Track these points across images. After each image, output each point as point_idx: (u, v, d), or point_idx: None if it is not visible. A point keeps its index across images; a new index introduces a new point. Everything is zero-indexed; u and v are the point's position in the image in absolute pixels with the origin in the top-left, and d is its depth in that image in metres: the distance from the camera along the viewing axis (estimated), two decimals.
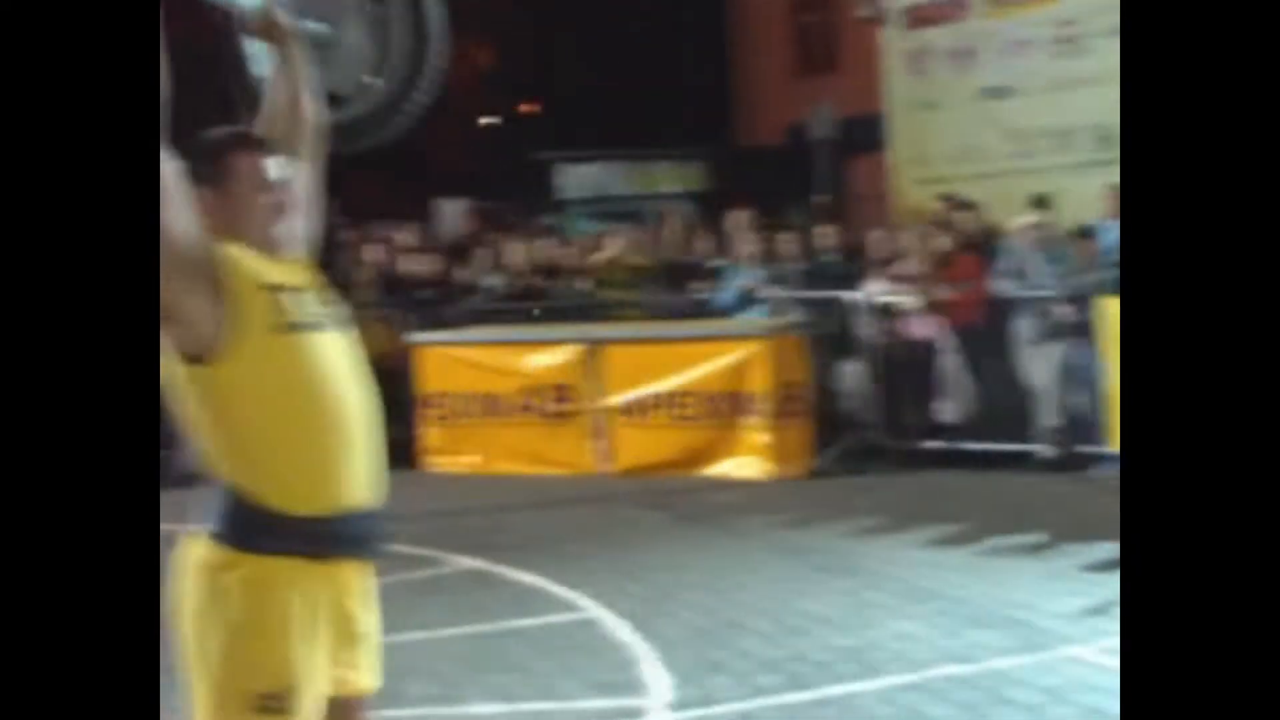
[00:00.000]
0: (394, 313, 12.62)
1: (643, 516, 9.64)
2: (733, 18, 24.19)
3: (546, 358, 11.47)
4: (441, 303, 12.97)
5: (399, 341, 12.08)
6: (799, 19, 22.87)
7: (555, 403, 11.40)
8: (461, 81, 34.31)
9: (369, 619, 3.25)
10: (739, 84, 24.13)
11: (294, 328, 3.10)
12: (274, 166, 3.27)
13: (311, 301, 3.20)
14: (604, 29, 26.26)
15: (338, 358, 3.17)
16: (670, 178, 21.89)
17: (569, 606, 7.28)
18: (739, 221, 13.11)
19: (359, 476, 3.15)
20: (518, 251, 13.52)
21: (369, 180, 27.00)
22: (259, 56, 3.77)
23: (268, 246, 3.20)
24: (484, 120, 33.67)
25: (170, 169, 2.93)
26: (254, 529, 3.06)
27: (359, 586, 3.22)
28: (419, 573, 7.97)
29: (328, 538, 3.11)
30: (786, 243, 12.30)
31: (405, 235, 14.82)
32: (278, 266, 3.20)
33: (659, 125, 23.71)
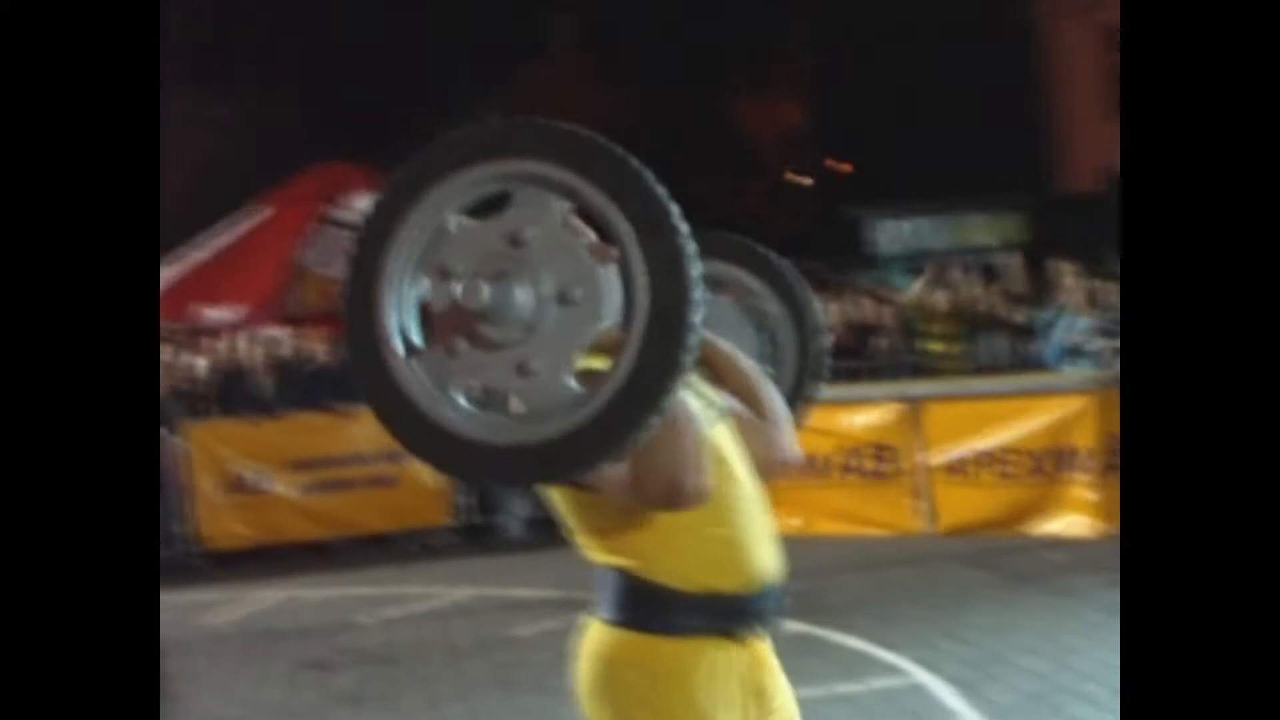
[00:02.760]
0: None
1: (968, 577, 9.45)
2: (1044, 61, 23.74)
3: (865, 416, 11.38)
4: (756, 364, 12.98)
5: None
6: (1113, 57, 22.31)
7: (875, 462, 11.29)
8: (770, 139, 34.60)
9: (783, 693, 3.23)
10: (1054, 129, 23.64)
11: (704, 422, 3.06)
12: None
13: (708, 393, 3.19)
14: (913, 81, 26.08)
15: (730, 445, 3.17)
16: (987, 229, 21.55)
17: (895, 671, 7.18)
18: (1061, 271, 12.82)
19: (766, 553, 3.14)
20: (831, 310, 13.48)
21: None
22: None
23: None
24: (793, 177, 33.80)
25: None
26: (669, 611, 3.04)
27: (771, 663, 3.20)
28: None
29: (746, 614, 3.10)
30: (1112, 292, 11.95)
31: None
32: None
33: (972, 175, 23.41)
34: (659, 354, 2.62)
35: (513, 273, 2.70)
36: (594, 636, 3.12)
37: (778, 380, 3.75)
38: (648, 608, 3.05)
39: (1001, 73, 24.47)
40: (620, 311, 2.67)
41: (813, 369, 3.86)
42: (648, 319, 2.62)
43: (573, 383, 2.69)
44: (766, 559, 3.13)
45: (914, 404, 11.18)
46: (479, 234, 2.77)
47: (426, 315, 2.83)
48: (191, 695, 7.81)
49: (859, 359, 12.96)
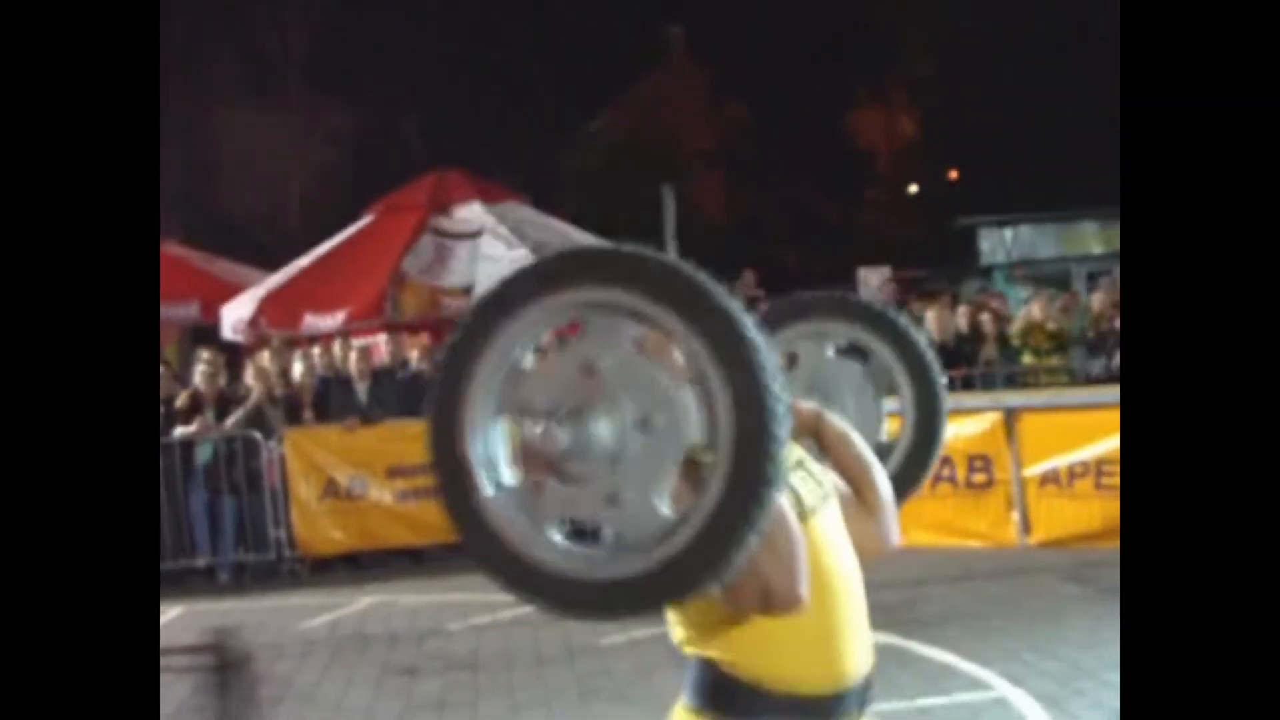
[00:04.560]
0: None
1: (1062, 590, 9.27)
2: None
3: (964, 427, 11.22)
4: None
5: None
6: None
7: (971, 472, 11.13)
8: (889, 150, 34.40)
9: None
10: None
11: (806, 515, 2.98)
12: None
13: (814, 474, 3.09)
14: (1025, 87, 25.79)
15: (836, 532, 3.07)
16: (1099, 238, 21.22)
17: (981, 685, 7.06)
18: None
19: (860, 649, 3.05)
20: (935, 318, 13.34)
21: (790, 252, 27.34)
22: None
23: None
24: (912, 188, 33.57)
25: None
26: (755, 706, 2.96)
27: None
28: None
29: (834, 710, 3.01)
30: None
31: None
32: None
33: (1087, 184, 23.08)
34: (746, 482, 2.55)
35: (591, 405, 2.66)
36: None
37: (890, 451, 3.69)
38: (730, 700, 2.96)
39: (1114, 79, 24.09)
40: (704, 429, 2.61)
41: (926, 447, 3.77)
42: (733, 445, 2.56)
43: (664, 508, 2.63)
44: (858, 652, 3.04)
45: (1011, 414, 11.00)
46: (554, 368, 2.73)
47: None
48: (277, 699, 7.87)
49: (959, 368, 12.80)
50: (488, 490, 2.74)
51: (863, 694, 3.07)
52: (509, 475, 2.76)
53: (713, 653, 2.98)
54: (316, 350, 14.06)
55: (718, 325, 2.58)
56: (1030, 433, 10.87)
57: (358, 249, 17.04)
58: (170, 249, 19.50)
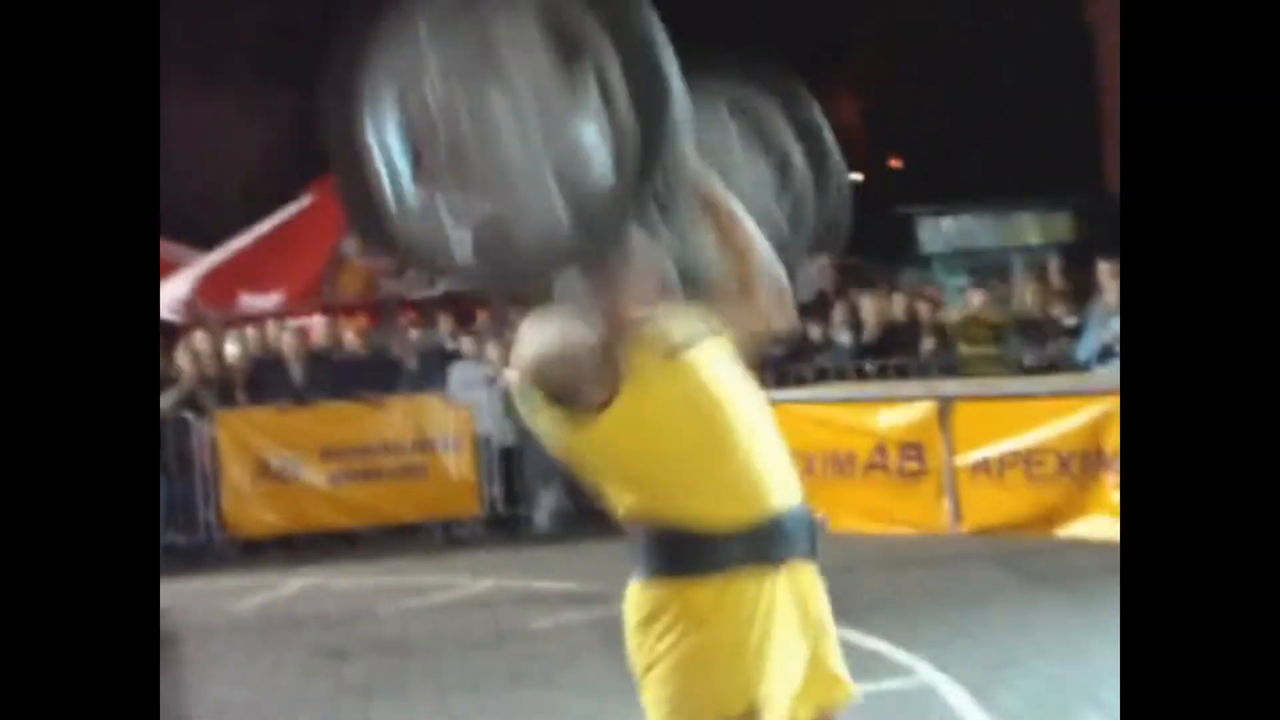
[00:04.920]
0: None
1: (991, 578, 9.31)
2: (1101, 61, 23.50)
3: (897, 415, 11.26)
4: (793, 359, 12.92)
5: None
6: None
7: (905, 460, 11.17)
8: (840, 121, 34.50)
9: (828, 620, 3.23)
10: (1109, 129, 23.39)
11: (678, 349, 3.08)
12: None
13: (683, 315, 3.17)
14: (969, 79, 25.89)
15: (724, 367, 3.14)
16: (1037, 228, 21.35)
17: (908, 672, 7.08)
18: (1100, 270, 12.61)
19: (778, 477, 3.12)
20: (871, 307, 13.37)
21: None
22: None
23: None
24: (851, 176, 33.66)
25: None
26: (695, 553, 3.02)
27: (817, 588, 3.22)
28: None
29: (773, 538, 3.07)
30: None
31: None
32: None
33: (1027, 175, 23.22)
34: (639, 164, 2.63)
35: (486, 79, 2.69)
36: (635, 598, 3.11)
37: (790, 224, 3.71)
38: (676, 555, 3.03)
39: (1055, 73, 24.28)
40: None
41: (830, 220, 3.78)
42: (626, 132, 2.63)
43: (553, 187, 2.68)
44: (777, 482, 3.10)
45: (945, 403, 11.04)
46: (451, 39, 2.74)
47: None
48: (204, 681, 7.82)
49: (896, 357, 12.85)
50: (378, 158, 2.80)
51: (807, 531, 3.17)
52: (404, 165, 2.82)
53: (644, 505, 3.05)
54: (250, 330, 13.94)
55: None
56: (963, 422, 10.91)
57: (295, 229, 16.90)
58: None
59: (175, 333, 15.41)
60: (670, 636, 3.03)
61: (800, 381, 12.45)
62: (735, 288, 3.31)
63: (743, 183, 3.59)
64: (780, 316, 3.36)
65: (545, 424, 3.09)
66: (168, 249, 19.19)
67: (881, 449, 11.23)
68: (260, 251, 16.81)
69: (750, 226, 3.35)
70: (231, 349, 13.34)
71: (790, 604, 3.09)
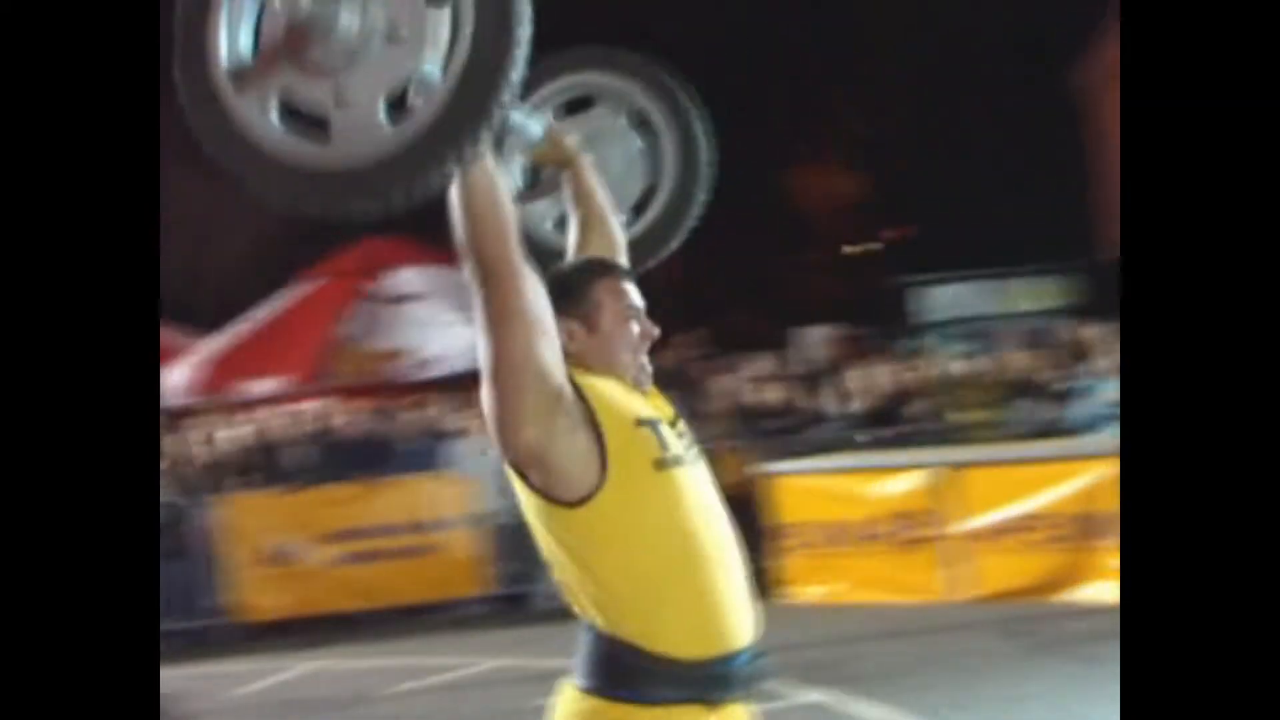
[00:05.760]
0: (743, 443, 12.68)
1: (990, 646, 9.29)
2: (1092, 130, 23.67)
3: (896, 483, 11.28)
4: (791, 431, 12.96)
5: (748, 472, 12.12)
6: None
7: (906, 529, 11.17)
8: (827, 210, 34.64)
9: None
10: (1100, 197, 23.54)
11: (667, 463, 2.96)
12: (634, 292, 3.19)
13: (676, 434, 3.06)
14: (962, 150, 26.05)
15: (706, 491, 3.04)
16: (1032, 295, 21.45)
17: None
18: (1098, 336, 12.70)
19: (742, 613, 2.99)
20: (867, 377, 13.43)
21: (734, 310, 27.44)
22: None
23: (638, 378, 3.12)
24: (848, 249, 33.78)
25: (541, 300, 2.89)
26: (639, 677, 2.89)
27: None
28: (759, 706, 7.89)
29: (719, 680, 2.94)
30: None
31: (758, 365, 14.90)
32: (641, 398, 3.09)
33: (1024, 243, 23.34)
34: (471, 99, 2.58)
35: None
36: (565, 702, 2.99)
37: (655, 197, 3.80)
38: (618, 673, 2.91)
39: (1048, 141, 24.45)
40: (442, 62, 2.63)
41: (680, 212, 3.82)
42: (466, 65, 2.59)
43: (384, 122, 2.64)
44: (739, 617, 2.99)
45: (943, 471, 11.06)
46: None
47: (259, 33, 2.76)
48: None
49: (890, 426, 12.88)
50: (221, 61, 2.72)
51: (751, 669, 3.01)
52: (245, 45, 2.74)
53: (599, 617, 2.92)
54: (248, 416, 14.00)
55: None
56: (963, 489, 10.92)
57: (294, 315, 16.99)
58: None
59: (173, 418, 15.49)
60: None
61: (796, 454, 12.46)
62: (585, 229, 3.49)
63: (611, 159, 3.75)
64: (621, 234, 3.55)
65: (523, 505, 3.04)
66: (166, 334, 19.31)
67: (883, 518, 11.23)
68: (260, 338, 16.89)
69: (604, 196, 3.55)
70: (228, 434, 13.38)
71: None
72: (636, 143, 3.85)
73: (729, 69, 29.38)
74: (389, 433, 13.40)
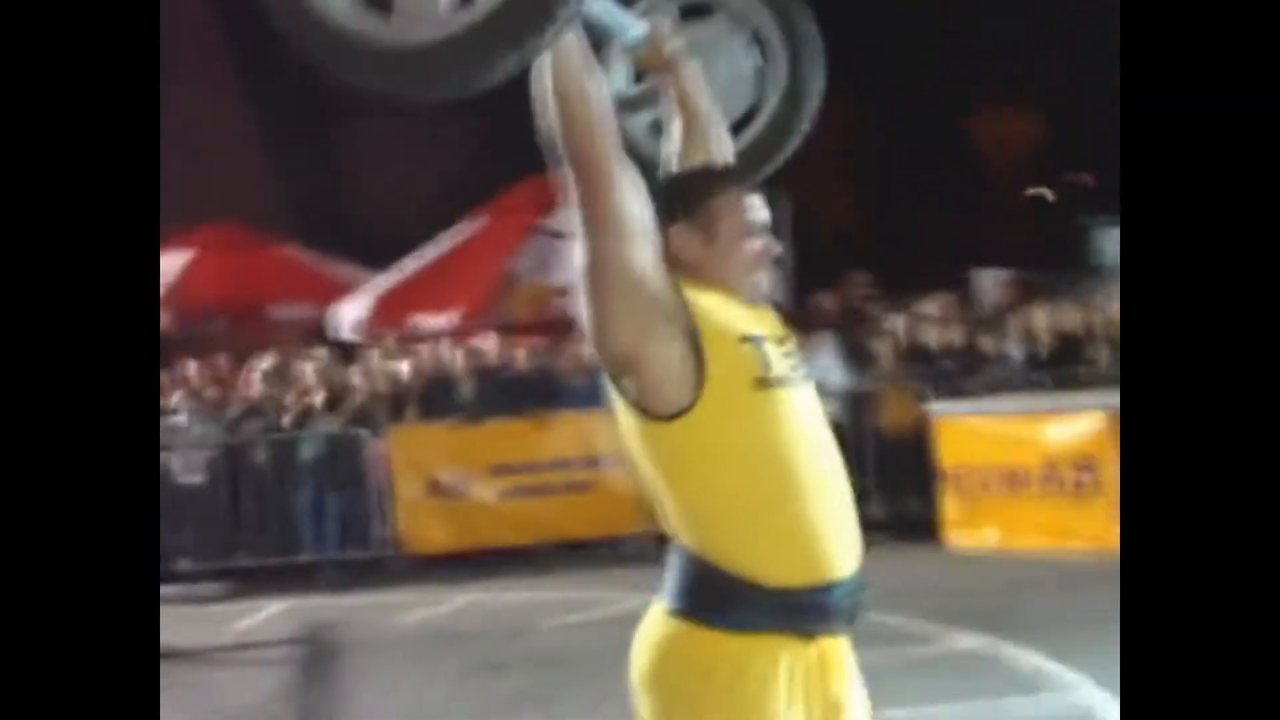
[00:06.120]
0: (916, 383, 12.47)
1: None
2: None
3: (1072, 427, 10.97)
4: (965, 373, 12.69)
5: (919, 412, 11.92)
6: None
7: (1080, 474, 10.86)
8: (1008, 155, 33.96)
9: (856, 705, 2.96)
10: None
11: (770, 383, 2.86)
12: (758, 208, 3.08)
13: (783, 354, 2.95)
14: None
15: (811, 415, 2.94)
16: None
17: (1067, 689, 6.87)
18: None
19: (842, 542, 2.89)
20: (1044, 319, 13.08)
21: (904, 251, 27.04)
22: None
23: (752, 295, 3.02)
24: (1033, 192, 33.12)
25: (638, 202, 2.84)
26: (729, 602, 2.81)
27: (844, 668, 2.94)
28: (916, 649, 7.75)
29: (813, 611, 2.84)
30: None
31: (930, 305, 14.59)
32: (751, 315, 2.98)
33: None
34: None
35: None
36: (653, 623, 2.91)
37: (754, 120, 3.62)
38: (707, 596, 2.82)
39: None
40: None
41: (790, 121, 3.62)
42: None
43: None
44: (843, 550, 2.88)
45: (1118, 415, 10.71)
46: None
47: None
48: (358, 693, 7.88)
49: (1068, 368, 12.54)
50: None
51: (851, 602, 2.90)
52: None
53: (692, 540, 2.85)
54: (423, 349, 14.11)
55: None
56: None
57: (466, 251, 17.12)
58: (286, 251, 19.79)
59: (351, 352, 15.72)
60: (687, 689, 2.83)
61: (968, 395, 12.21)
62: (688, 137, 3.32)
63: (717, 71, 3.55)
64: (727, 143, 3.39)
65: (620, 419, 2.94)
66: (347, 271, 19.62)
67: (1053, 463, 10.93)
68: (433, 273, 17.05)
69: (712, 102, 3.37)
70: (404, 366, 13.51)
71: (810, 683, 2.85)
72: (748, 61, 3.67)
73: (910, 7, 28.93)
74: (558, 368, 13.40)
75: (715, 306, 2.90)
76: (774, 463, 2.84)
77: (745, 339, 2.88)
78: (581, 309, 2.85)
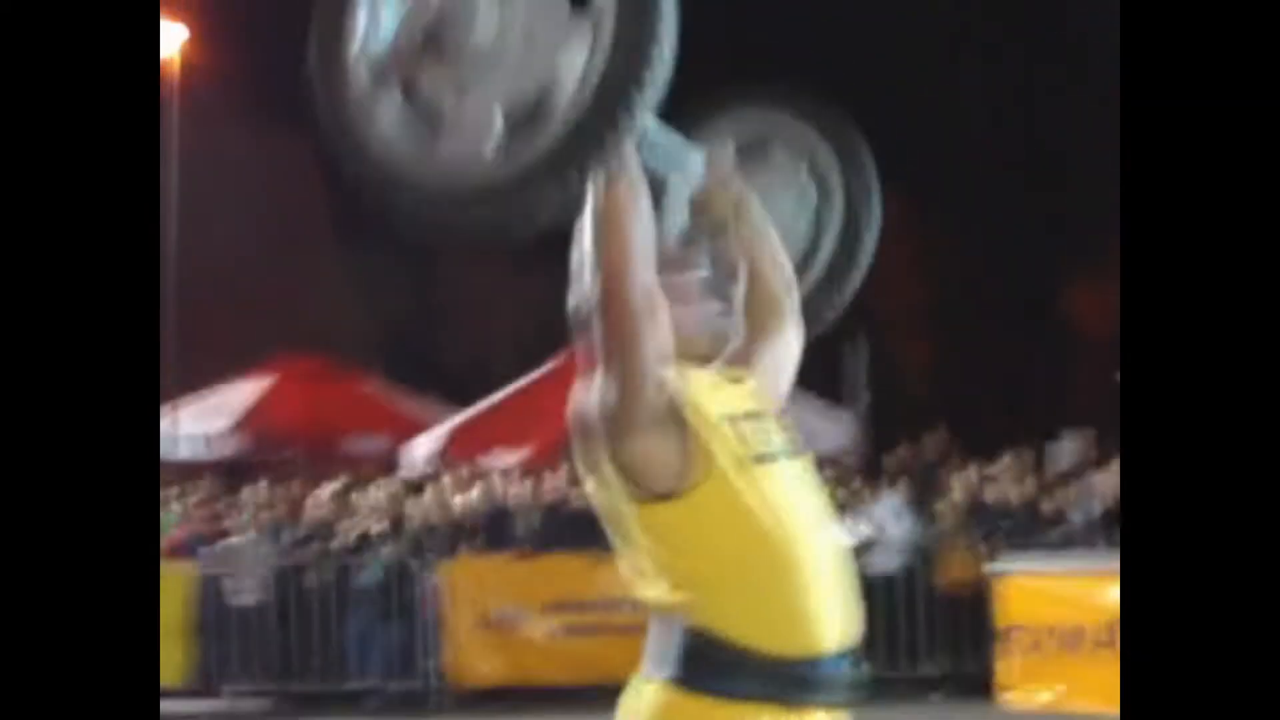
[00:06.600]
0: (977, 540, 12.29)
1: None
2: None
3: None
4: (1027, 531, 12.49)
5: (979, 569, 11.74)
6: None
7: None
8: (1092, 321, 33.54)
9: None
10: None
11: (761, 459, 2.94)
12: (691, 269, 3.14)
13: (771, 428, 3.02)
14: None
15: (803, 487, 3.00)
16: None
17: None
18: None
19: (836, 615, 2.92)
20: (1108, 479, 12.84)
21: (984, 410, 26.79)
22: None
23: (715, 347, 3.10)
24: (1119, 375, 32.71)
25: (665, 325, 2.87)
26: (720, 671, 2.86)
27: None
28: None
29: (804, 682, 2.88)
30: None
31: (1002, 465, 14.38)
32: (732, 391, 3.04)
33: None
34: (599, 117, 2.50)
35: None
36: (637, 694, 2.97)
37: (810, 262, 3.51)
38: (703, 665, 2.86)
39: None
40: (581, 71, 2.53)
41: (847, 266, 3.52)
42: (600, 82, 2.50)
43: (499, 124, 2.56)
44: (837, 623, 2.91)
45: None
46: None
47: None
48: None
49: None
50: (359, 32, 2.64)
51: (844, 676, 2.92)
52: (388, 25, 2.66)
53: (685, 612, 2.87)
54: (485, 482, 14.11)
55: None
56: None
57: (545, 387, 17.17)
58: (366, 385, 20.06)
59: (421, 485, 15.75)
60: None
61: (1032, 554, 12.01)
62: (758, 310, 3.21)
63: (780, 208, 3.43)
64: (783, 388, 3.25)
65: (603, 493, 2.97)
66: (428, 407, 19.78)
67: (1113, 625, 10.65)
68: (510, 409, 17.13)
69: (778, 242, 3.26)
70: (462, 499, 13.51)
71: None
72: (810, 196, 3.58)
73: (999, 175, 28.96)
74: None
75: (697, 388, 2.97)
76: (773, 538, 2.88)
77: (729, 417, 2.96)
78: (593, 409, 2.89)
